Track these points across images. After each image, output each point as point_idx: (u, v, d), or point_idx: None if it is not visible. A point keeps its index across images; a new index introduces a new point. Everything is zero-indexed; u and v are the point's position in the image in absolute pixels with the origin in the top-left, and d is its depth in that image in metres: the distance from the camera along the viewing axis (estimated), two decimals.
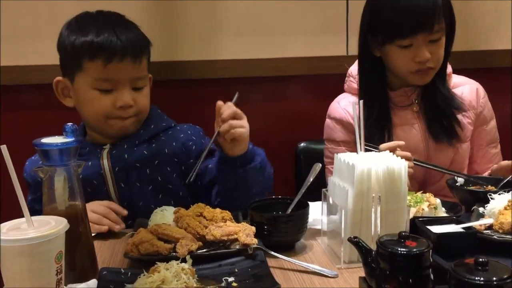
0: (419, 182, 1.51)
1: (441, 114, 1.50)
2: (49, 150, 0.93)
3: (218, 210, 1.15)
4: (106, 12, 1.38)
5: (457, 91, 1.54)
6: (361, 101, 1.17)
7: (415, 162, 1.34)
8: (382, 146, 1.32)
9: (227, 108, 1.26)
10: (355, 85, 1.57)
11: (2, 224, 0.83)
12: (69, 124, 0.97)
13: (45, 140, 0.94)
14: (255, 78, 1.91)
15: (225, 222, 1.11)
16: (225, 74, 1.88)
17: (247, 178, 1.31)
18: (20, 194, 0.84)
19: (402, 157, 1.25)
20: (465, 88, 1.57)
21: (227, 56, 1.88)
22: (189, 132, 1.43)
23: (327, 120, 1.61)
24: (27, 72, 1.80)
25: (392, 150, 1.25)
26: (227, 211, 1.15)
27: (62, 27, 1.36)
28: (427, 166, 1.40)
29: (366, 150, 1.29)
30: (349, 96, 1.59)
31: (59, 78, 1.36)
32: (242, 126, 1.26)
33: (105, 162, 1.35)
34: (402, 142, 1.34)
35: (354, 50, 1.89)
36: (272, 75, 1.92)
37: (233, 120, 1.25)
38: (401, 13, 1.39)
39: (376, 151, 1.29)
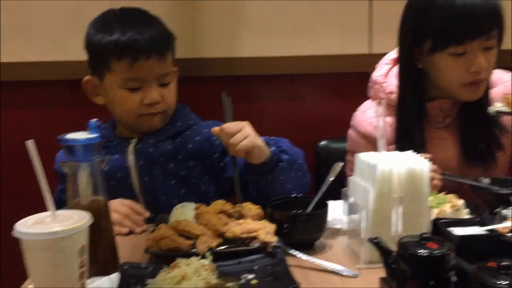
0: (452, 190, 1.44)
1: (479, 135, 1.40)
2: (73, 146, 0.94)
3: (253, 207, 1.15)
4: (130, 9, 1.40)
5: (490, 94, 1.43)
6: (383, 101, 1.16)
7: (443, 175, 1.27)
8: None
9: (222, 134, 1.22)
10: (382, 94, 1.46)
11: (27, 218, 0.85)
12: (94, 120, 0.98)
13: (70, 135, 0.96)
14: (276, 76, 1.91)
15: (253, 218, 1.11)
16: (246, 71, 1.89)
17: (277, 179, 1.29)
18: (44, 188, 0.85)
19: (431, 171, 1.24)
20: (497, 91, 1.43)
21: (249, 54, 1.88)
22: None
23: (351, 132, 1.53)
24: (27, 69, 1.82)
25: None
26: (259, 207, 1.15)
27: (89, 25, 1.38)
28: (456, 179, 1.31)
29: None
30: (374, 105, 1.47)
31: (88, 77, 1.39)
32: (242, 139, 1.21)
33: (130, 156, 1.37)
34: (428, 155, 1.24)
35: (377, 48, 1.88)
36: (294, 73, 1.91)
37: (232, 139, 1.20)
38: (457, 16, 1.26)
39: None
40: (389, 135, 1.41)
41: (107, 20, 1.35)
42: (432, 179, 1.22)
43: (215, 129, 1.25)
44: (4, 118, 1.86)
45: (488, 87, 1.41)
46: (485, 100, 1.40)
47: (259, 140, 1.24)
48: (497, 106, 1.31)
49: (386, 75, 1.50)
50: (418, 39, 1.35)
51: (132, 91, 1.33)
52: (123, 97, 1.34)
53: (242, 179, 1.36)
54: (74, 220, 0.84)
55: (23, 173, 1.85)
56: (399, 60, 1.44)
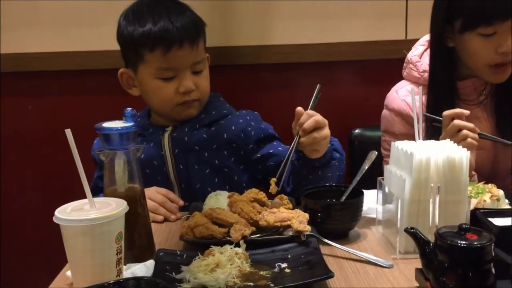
0: (485, 177, 1.43)
1: None
2: (110, 134, 0.96)
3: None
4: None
5: None
6: (420, 87, 1.14)
7: (480, 135, 1.26)
8: (445, 113, 1.26)
9: (307, 117, 1.20)
10: (415, 73, 1.48)
11: (66, 205, 0.87)
12: (129, 109, 0.99)
13: (106, 124, 0.97)
14: (309, 63, 1.88)
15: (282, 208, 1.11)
16: (278, 59, 1.87)
17: (326, 176, 1.30)
18: (83, 177, 0.87)
19: (465, 128, 1.23)
20: None
21: (281, 41, 1.87)
22: (248, 117, 1.44)
23: (385, 111, 1.54)
24: (28, 59, 1.84)
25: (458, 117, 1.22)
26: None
27: (120, 17, 1.39)
28: (493, 138, 1.32)
29: (430, 120, 1.27)
30: (408, 84, 1.50)
31: (123, 69, 1.41)
32: (325, 137, 1.21)
33: (166, 144, 1.39)
34: (467, 112, 1.26)
35: (413, 34, 1.83)
36: (327, 60, 1.88)
37: (316, 132, 1.19)
38: None
39: (439, 123, 1.27)
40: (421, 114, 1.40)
41: (138, 11, 1.36)
42: (467, 137, 1.23)
43: (299, 109, 1.22)
44: (4, 109, 1.89)
45: None
46: None
47: (328, 143, 1.25)
48: None
49: (421, 55, 1.50)
50: (450, 18, 1.36)
51: (167, 80, 1.35)
52: (158, 87, 1.35)
53: (268, 170, 1.38)
54: (111, 207, 0.86)
55: (24, 163, 1.91)
56: (431, 38, 1.44)
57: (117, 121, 0.99)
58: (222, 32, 1.85)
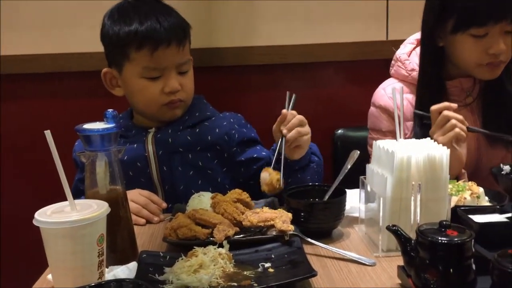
0: (468, 177, 1.44)
1: (501, 115, 1.39)
2: (91, 136, 0.95)
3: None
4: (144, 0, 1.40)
5: None
6: (401, 87, 1.15)
7: (468, 128, 1.28)
8: (433, 107, 1.28)
9: (291, 116, 1.25)
10: (403, 72, 1.49)
11: (47, 207, 0.86)
12: (110, 110, 0.99)
13: (87, 125, 0.97)
14: (293, 64, 1.89)
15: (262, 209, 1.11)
16: (263, 60, 1.87)
17: (305, 178, 1.32)
18: (63, 179, 0.86)
19: (454, 118, 1.25)
20: None
21: (265, 43, 1.87)
22: (231, 120, 1.45)
23: (372, 108, 1.54)
24: (27, 62, 1.82)
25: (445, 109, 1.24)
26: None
27: (104, 17, 1.38)
28: (481, 131, 1.33)
29: (419, 117, 1.31)
30: (395, 82, 1.50)
31: (107, 69, 1.40)
32: (307, 133, 1.26)
33: (150, 146, 1.38)
34: (454, 105, 1.27)
35: (394, 35, 1.85)
36: (310, 61, 1.89)
37: (299, 127, 1.24)
38: (481, 0, 1.28)
39: (428, 119, 1.28)
40: (408, 112, 1.42)
41: (124, 11, 1.36)
42: (455, 126, 1.24)
43: (285, 111, 1.26)
44: (4, 111, 1.87)
45: (510, 69, 1.40)
46: (507, 80, 1.40)
47: (309, 142, 1.29)
48: None
49: (409, 53, 1.51)
50: (441, 18, 1.36)
51: (152, 80, 1.34)
52: (144, 87, 1.35)
53: (251, 174, 1.39)
54: (92, 209, 0.85)
55: (24, 165, 1.89)
56: (421, 38, 1.45)
57: (98, 122, 0.98)
58: (206, 34, 1.85)
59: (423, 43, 1.44)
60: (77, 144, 1.43)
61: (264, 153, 1.43)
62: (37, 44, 1.81)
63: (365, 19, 1.86)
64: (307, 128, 1.26)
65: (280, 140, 1.24)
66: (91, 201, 0.89)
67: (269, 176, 1.19)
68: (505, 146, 1.40)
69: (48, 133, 0.85)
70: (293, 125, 1.23)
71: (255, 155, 1.42)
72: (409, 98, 1.46)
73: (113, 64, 1.38)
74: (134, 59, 1.33)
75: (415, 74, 1.47)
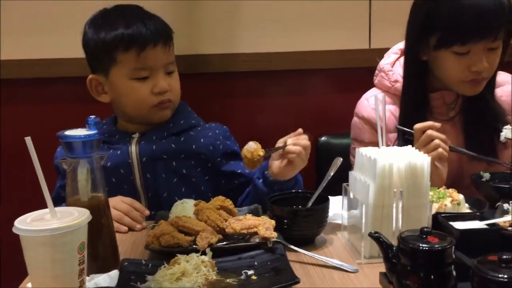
0: (450, 185, 1.44)
1: (484, 130, 1.40)
2: (72, 142, 0.94)
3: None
4: (127, 6, 1.42)
5: (496, 92, 1.44)
6: (383, 95, 1.16)
7: (451, 148, 1.28)
8: (417, 126, 1.28)
9: (304, 136, 1.26)
10: (386, 82, 1.48)
11: (27, 215, 0.85)
12: (92, 116, 0.98)
13: (69, 132, 0.96)
14: (277, 71, 1.90)
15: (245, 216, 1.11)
16: (246, 67, 1.88)
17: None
18: (44, 186, 0.85)
19: (438, 138, 1.26)
20: (504, 89, 1.45)
21: (249, 50, 1.88)
22: (217, 131, 1.46)
23: (355, 119, 1.54)
24: (27, 66, 1.81)
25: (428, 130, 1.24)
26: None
27: (85, 26, 1.38)
28: (463, 151, 1.33)
29: (402, 133, 1.30)
30: (378, 92, 1.50)
31: (92, 76, 1.39)
32: (305, 157, 1.25)
33: (133, 152, 1.37)
34: (438, 124, 1.28)
35: (376, 43, 1.87)
36: (294, 69, 1.91)
37: (303, 149, 1.24)
38: (465, 17, 1.27)
39: (410, 136, 1.28)
40: (391, 124, 1.43)
41: (107, 17, 1.36)
42: (439, 146, 1.25)
43: (301, 130, 1.27)
44: (4, 116, 1.85)
45: (492, 84, 1.42)
46: (489, 95, 1.41)
47: (299, 169, 1.28)
48: (508, 133, 1.35)
49: (393, 64, 1.51)
50: (425, 34, 1.37)
51: (141, 81, 1.35)
52: (133, 88, 1.35)
53: (233, 188, 1.40)
54: (73, 217, 0.84)
55: (23, 170, 1.87)
56: (405, 51, 1.46)
57: (80, 129, 0.97)
58: (190, 40, 1.85)
59: (407, 56, 1.45)
60: (59, 150, 1.42)
61: (247, 171, 1.42)
62: (34, 49, 1.81)
63: (348, 28, 1.88)
64: (307, 154, 1.25)
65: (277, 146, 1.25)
66: (72, 208, 0.88)
67: (255, 146, 1.20)
68: (485, 161, 1.39)
69: (28, 140, 0.84)
70: (300, 143, 1.23)
71: (239, 171, 1.43)
72: (392, 109, 1.47)
73: (99, 70, 1.38)
74: (122, 62, 1.33)
75: (398, 85, 1.47)
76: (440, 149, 1.25)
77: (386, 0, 1.85)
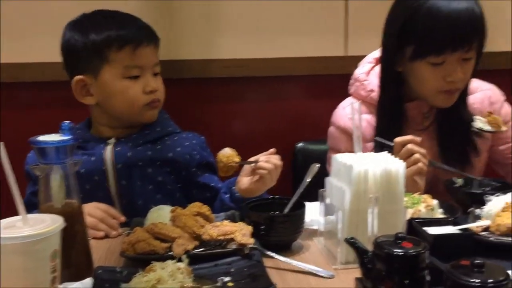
0: (425, 191, 1.42)
1: (457, 139, 1.43)
2: (46, 148, 0.93)
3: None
4: (108, 10, 1.41)
5: (468, 100, 1.46)
6: (359, 103, 1.17)
7: (430, 162, 1.30)
8: (397, 139, 1.29)
9: (276, 156, 1.26)
10: (362, 92, 1.49)
11: None
12: (66, 122, 0.96)
13: (42, 138, 0.94)
14: (254, 77, 1.91)
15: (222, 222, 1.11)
16: (224, 73, 1.88)
17: None
18: (16, 192, 0.83)
19: (418, 153, 1.27)
20: (476, 96, 1.49)
21: (227, 56, 1.88)
22: (194, 141, 1.45)
23: (332, 128, 1.54)
24: (27, 70, 1.79)
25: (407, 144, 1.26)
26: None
27: (65, 30, 1.37)
28: (442, 167, 1.35)
29: (381, 145, 1.30)
30: (354, 102, 1.47)
31: (78, 77, 1.36)
32: (274, 176, 1.25)
33: (108, 159, 1.36)
34: (418, 138, 1.29)
35: (353, 51, 1.90)
36: (271, 75, 1.91)
37: (275, 169, 1.24)
38: (439, 28, 1.29)
39: (389, 148, 1.28)
40: (367, 133, 1.44)
41: (93, 19, 1.37)
42: (419, 161, 1.26)
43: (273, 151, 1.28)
44: (3, 119, 1.82)
45: (465, 94, 1.44)
46: (462, 106, 1.43)
47: (267, 187, 1.28)
48: (479, 123, 1.38)
49: (368, 73, 1.52)
50: (400, 45, 1.38)
51: (133, 80, 1.36)
52: (126, 87, 1.35)
53: (208, 200, 1.37)
54: (46, 224, 0.82)
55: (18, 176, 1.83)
56: (381, 62, 1.47)
57: (53, 134, 0.95)
58: (167, 46, 1.84)
59: (383, 66, 1.46)
60: (30, 155, 1.39)
61: (220, 185, 1.42)
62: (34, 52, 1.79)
63: (325, 35, 1.90)
64: (277, 173, 1.25)
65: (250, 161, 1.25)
66: (45, 215, 0.87)
67: (231, 153, 1.22)
68: (460, 170, 1.41)
69: (1, 145, 0.82)
70: (272, 161, 1.23)
71: (213, 184, 1.43)
72: (368, 118, 1.47)
73: (87, 71, 1.36)
74: (114, 60, 1.33)
75: (374, 94, 1.48)
76: (420, 164, 1.27)
77: (363, 8, 1.88)
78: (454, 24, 1.29)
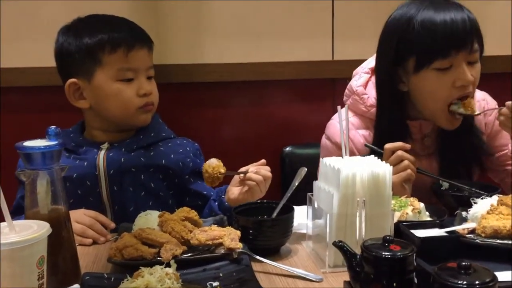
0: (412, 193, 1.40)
1: (461, 161, 1.41)
2: (31, 153, 0.92)
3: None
4: (101, 14, 1.42)
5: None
6: (346, 107, 1.17)
7: (418, 170, 1.30)
8: (387, 145, 1.29)
9: (267, 169, 1.27)
10: (362, 107, 1.45)
11: None
12: (52, 127, 0.95)
13: (28, 143, 0.93)
14: (241, 82, 1.91)
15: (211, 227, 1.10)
16: (211, 78, 1.88)
17: None
18: (1, 199, 0.82)
19: (407, 159, 1.27)
20: (480, 105, 1.45)
21: (213, 60, 1.88)
22: (187, 148, 1.45)
23: (325, 141, 1.49)
24: (27, 74, 1.77)
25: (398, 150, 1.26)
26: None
27: (58, 35, 1.37)
28: (431, 175, 1.34)
29: (371, 151, 1.30)
30: (351, 116, 1.44)
31: (72, 80, 1.36)
32: (263, 188, 1.26)
33: (101, 164, 1.35)
34: (408, 145, 1.29)
35: (339, 55, 1.91)
36: (258, 80, 1.92)
37: (264, 179, 1.25)
38: (439, 30, 1.28)
39: (380, 155, 1.28)
40: (363, 148, 1.41)
41: (87, 23, 1.38)
42: (408, 167, 1.27)
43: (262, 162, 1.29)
44: (4, 124, 1.80)
45: (471, 118, 1.41)
46: (465, 128, 1.40)
47: (256, 198, 1.29)
48: (454, 106, 1.36)
49: (365, 85, 1.47)
50: (400, 59, 1.35)
51: (127, 83, 1.36)
52: (119, 90, 1.35)
53: (198, 206, 1.38)
54: (32, 230, 0.81)
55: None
56: (378, 83, 1.43)
57: (40, 139, 0.95)
58: (154, 50, 1.82)
59: (381, 88, 1.42)
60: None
61: (212, 193, 1.42)
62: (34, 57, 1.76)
63: (312, 39, 1.91)
64: (266, 185, 1.26)
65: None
66: (31, 221, 0.86)
67: (217, 163, 1.23)
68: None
69: None
70: (261, 173, 1.24)
71: (205, 192, 1.43)
72: (365, 134, 1.44)
73: (80, 74, 1.36)
74: (108, 63, 1.33)
75: (374, 110, 1.44)
76: (409, 170, 1.27)
77: (349, 12, 1.89)
78: (452, 26, 1.29)
